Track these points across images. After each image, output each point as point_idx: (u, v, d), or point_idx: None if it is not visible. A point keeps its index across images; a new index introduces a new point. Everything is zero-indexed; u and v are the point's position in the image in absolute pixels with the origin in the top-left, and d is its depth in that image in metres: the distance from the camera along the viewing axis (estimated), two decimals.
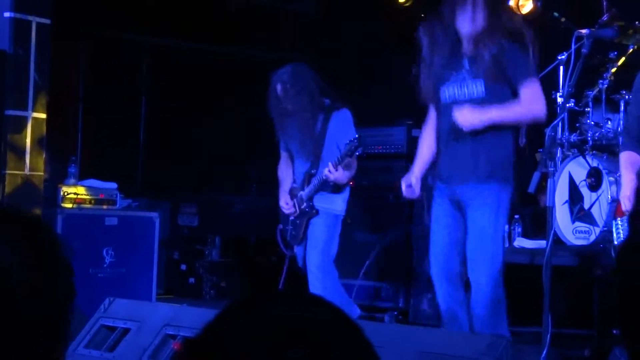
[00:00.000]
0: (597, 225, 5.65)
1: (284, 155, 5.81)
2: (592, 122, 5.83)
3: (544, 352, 4.23)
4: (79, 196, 6.66)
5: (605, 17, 5.46)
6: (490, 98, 4.43)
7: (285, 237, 5.74)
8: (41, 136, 5.96)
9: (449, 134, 4.54)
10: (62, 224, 6.34)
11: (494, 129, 4.43)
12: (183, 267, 8.36)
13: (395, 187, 7.33)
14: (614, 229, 4.53)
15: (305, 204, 5.58)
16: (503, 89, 4.46)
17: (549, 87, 5.53)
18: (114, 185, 6.88)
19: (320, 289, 5.38)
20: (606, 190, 5.60)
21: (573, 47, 4.85)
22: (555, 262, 4.59)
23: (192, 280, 8.27)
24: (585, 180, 5.71)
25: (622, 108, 5.74)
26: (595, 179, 5.66)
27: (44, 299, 1.35)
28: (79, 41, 8.64)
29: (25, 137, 5.89)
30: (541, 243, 5.33)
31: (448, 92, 4.57)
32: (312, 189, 5.55)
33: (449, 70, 4.56)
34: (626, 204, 4.32)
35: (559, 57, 5.75)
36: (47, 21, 6.00)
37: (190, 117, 8.99)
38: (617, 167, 5.47)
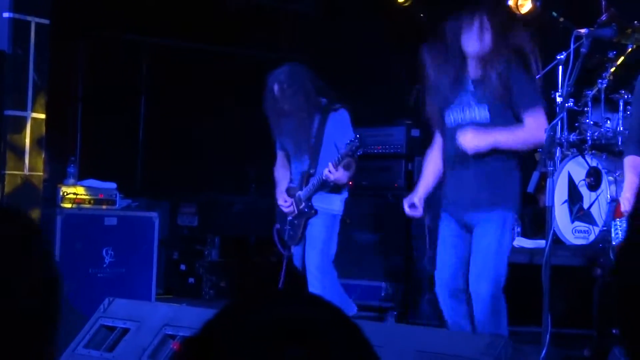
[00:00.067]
0: (597, 225, 5.65)
1: (280, 155, 5.81)
2: (591, 122, 5.83)
3: (544, 352, 4.23)
4: (78, 196, 6.66)
5: (604, 17, 5.47)
6: (495, 122, 4.46)
7: (283, 237, 5.74)
8: (40, 136, 5.96)
9: (455, 158, 4.57)
10: (62, 224, 6.34)
11: (498, 153, 4.47)
12: (182, 267, 8.36)
13: (394, 187, 7.36)
14: (612, 230, 4.54)
15: (303, 204, 5.58)
16: (507, 112, 4.49)
17: (548, 86, 5.53)
18: (113, 185, 6.88)
19: (319, 289, 5.38)
20: (605, 190, 5.60)
21: (572, 46, 4.85)
22: (555, 261, 4.59)
23: (191, 280, 8.27)
24: (584, 179, 5.71)
25: (621, 107, 5.74)
26: (594, 179, 5.66)
27: (43, 299, 1.35)
28: (78, 41, 8.63)
29: (25, 137, 5.89)
30: (540, 243, 5.33)
31: (453, 116, 4.59)
32: (311, 189, 5.55)
33: (454, 93, 4.58)
34: (625, 205, 4.33)
35: (558, 57, 5.74)
36: (46, 21, 5.99)
37: (190, 117, 8.98)
38: (616, 166, 5.48)
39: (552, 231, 4.36)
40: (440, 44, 4.59)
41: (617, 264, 1.65)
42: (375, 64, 8.51)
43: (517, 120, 4.49)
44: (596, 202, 5.67)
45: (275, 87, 5.54)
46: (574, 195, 5.78)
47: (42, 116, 5.98)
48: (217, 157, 8.98)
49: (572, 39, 4.85)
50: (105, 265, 6.52)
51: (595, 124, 5.82)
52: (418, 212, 4.78)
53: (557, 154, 4.41)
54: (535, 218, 6.14)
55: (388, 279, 7.06)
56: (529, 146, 4.62)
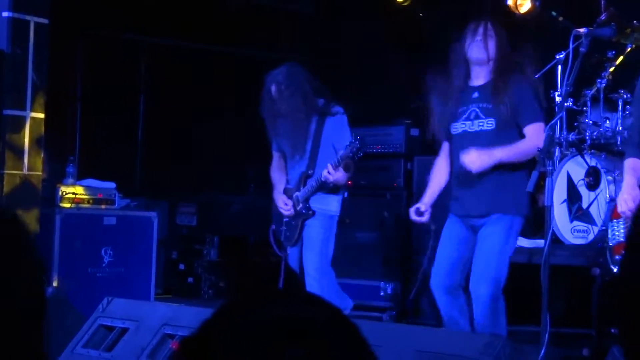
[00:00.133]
0: (596, 225, 5.65)
1: (276, 156, 5.79)
2: (591, 121, 5.83)
3: (542, 352, 4.23)
4: (77, 196, 6.66)
5: (603, 16, 5.46)
6: (500, 129, 4.56)
7: (279, 238, 5.72)
8: (39, 136, 5.96)
9: (462, 165, 4.63)
10: (61, 224, 6.34)
11: (504, 166, 4.57)
12: (181, 266, 8.36)
13: (393, 186, 7.36)
14: (609, 230, 4.55)
15: (301, 205, 5.55)
16: (511, 120, 4.59)
17: (547, 86, 5.53)
18: (112, 185, 6.88)
19: (317, 290, 5.37)
20: (604, 190, 5.60)
21: (571, 46, 4.84)
22: (554, 261, 4.59)
23: (190, 279, 8.27)
24: (583, 179, 5.71)
25: (620, 107, 5.74)
26: (593, 178, 5.66)
27: (42, 299, 1.35)
28: (77, 41, 8.63)
29: (24, 137, 5.89)
30: (539, 242, 5.33)
31: (459, 126, 4.71)
32: (309, 190, 5.53)
33: (460, 105, 4.68)
34: (622, 206, 4.35)
35: (557, 56, 5.74)
36: (45, 21, 5.99)
37: (189, 117, 8.98)
38: (615, 166, 5.48)
39: (551, 231, 4.36)
40: (445, 68, 4.73)
41: (620, 264, 1.65)
42: (375, 63, 8.51)
43: (519, 128, 4.60)
44: (595, 201, 5.67)
45: (273, 88, 5.53)
46: (573, 195, 5.77)
47: (41, 116, 5.97)
48: (216, 157, 8.98)
49: (571, 39, 4.84)
50: (104, 265, 6.52)
51: (595, 123, 5.82)
52: (424, 219, 4.83)
53: (556, 154, 4.40)
54: (534, 217, 6.13)
55: (387, 279, 7.06)
56: (529, 157, 4.69)
